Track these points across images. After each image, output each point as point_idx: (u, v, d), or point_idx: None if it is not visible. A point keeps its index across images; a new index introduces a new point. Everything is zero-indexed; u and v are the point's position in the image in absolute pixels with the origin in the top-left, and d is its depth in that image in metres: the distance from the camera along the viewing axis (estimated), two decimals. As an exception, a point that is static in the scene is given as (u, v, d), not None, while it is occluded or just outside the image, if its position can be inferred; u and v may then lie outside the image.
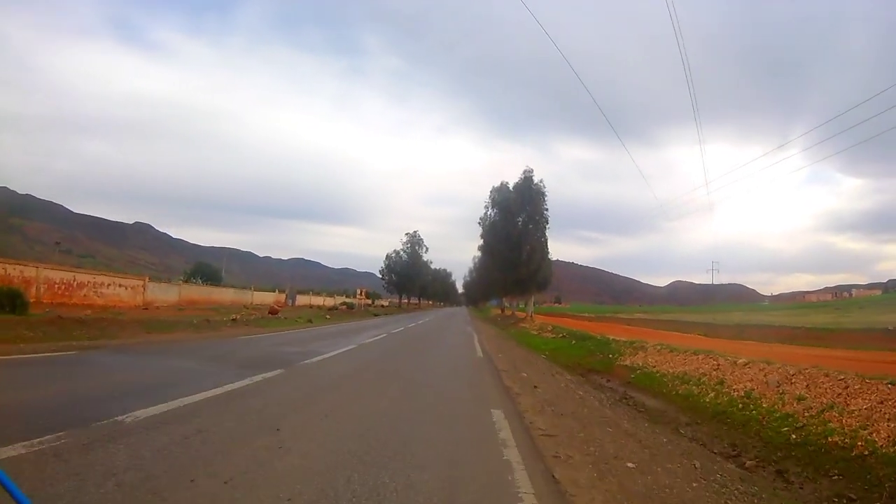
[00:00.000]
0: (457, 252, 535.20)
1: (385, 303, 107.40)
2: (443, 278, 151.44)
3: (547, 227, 49.43)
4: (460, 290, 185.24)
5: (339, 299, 77.51)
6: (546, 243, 49.52)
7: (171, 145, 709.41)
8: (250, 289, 57.45)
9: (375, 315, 55.77)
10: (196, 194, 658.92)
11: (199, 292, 46.94)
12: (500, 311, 79.53)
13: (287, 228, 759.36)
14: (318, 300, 73.93)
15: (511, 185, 50.26)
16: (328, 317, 42.87)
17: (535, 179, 49.44)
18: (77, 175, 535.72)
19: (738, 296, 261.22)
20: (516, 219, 49.10)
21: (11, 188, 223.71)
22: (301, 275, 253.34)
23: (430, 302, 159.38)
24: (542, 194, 49.23)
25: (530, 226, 48.87)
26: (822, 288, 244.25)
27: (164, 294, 39.64)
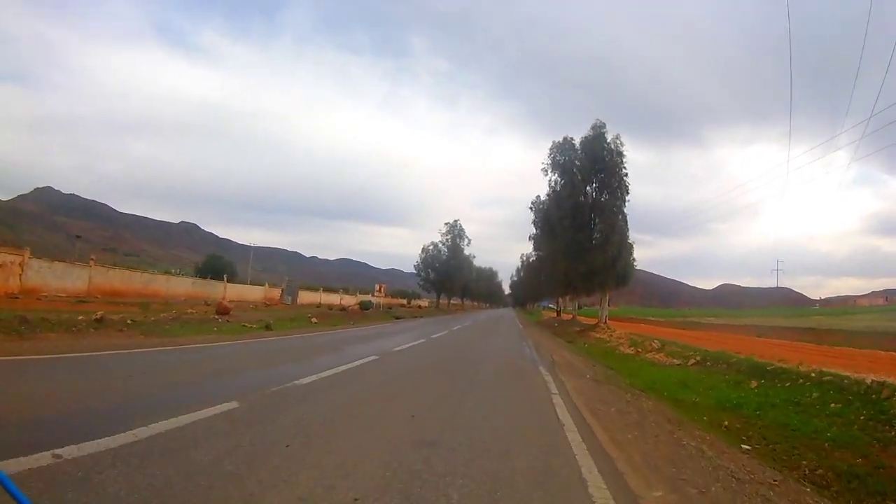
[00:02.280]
0: (503, 254, 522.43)
1: (424, 303, 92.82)
2: (488, 277, 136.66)
3: (627, 199, 34.54)
4: (507, 291, 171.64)
5: (364, 297, 63.66)
6: (626, 222, 34.62)
7: (218, 147, 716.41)
8: (222, 280, 43.83)
9: (396, 318, 41.92)
10: (243, 195, 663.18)
11: (132, 280, 33.40)
12: (555, 315, 64.30)
13: (334, 229, 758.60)
14: (331, 297, 60.12)
15: (577, 142, 35.55)
16: (314, 321, 28.94)
17: (609, 136, 34.74)
18: (123, 175, 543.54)
19: (786, 299, 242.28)
20: (586, 187, 34.43)
21: (56, 188, 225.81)
22: (348, 274, 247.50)
23: (475, 303, 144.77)
24: (621, 154, 34.38)
25: (604, 198, 34.07)
26: (870, 292, 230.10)
27: (62, 279, 26.32)
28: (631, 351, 22.12)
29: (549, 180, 36.13)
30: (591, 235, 34.25)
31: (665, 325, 49.55)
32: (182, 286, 39.40)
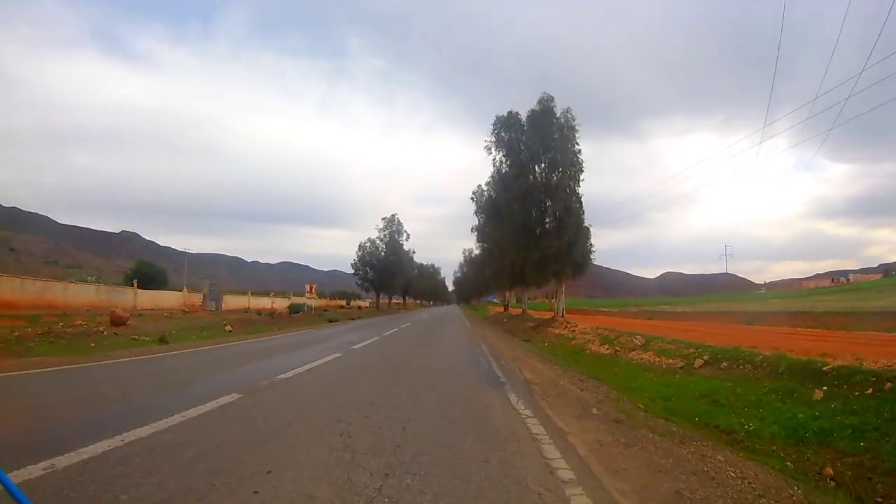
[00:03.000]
0: (445, 251, 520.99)
1: (365, 304, 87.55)
2: (430, 274, 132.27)
3: (581, 179, 30.66)
4: (451, 288, 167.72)
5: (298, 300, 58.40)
6: (581, 204, 30.70)
7: (156, 154, 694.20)
8: (133, 286, 38.28)
9: (330, 321, 37.22)
10: (183, 202, 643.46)
11: (23, 289, 28.36)
12: (502, 309, 60.32)
13: (275, 233, 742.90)
14: (261, 301, 54.74)
15: (524, 117, 31.52)
16: (228, 329, 24.21)
17: (558, 110, 30.84)
18: (63, 186, 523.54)
19: (730, 285, 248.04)
20: (535, 166, 30.39)
21: None
22: (290, 278, 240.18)
23: (418, 301, 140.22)
24: (573, 130, 30.50)
25: (556, 177, 30.09)
26: (813, 274, 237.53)
27: None
28: (606, 350, 18.18)
29: (494, 159, 32.01)
30: (543, 219, 30.33)
31: (622, 315, 46.45)
32: (84, 294, 33.65)
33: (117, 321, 20.90)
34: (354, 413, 6.55)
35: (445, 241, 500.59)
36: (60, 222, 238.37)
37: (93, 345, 15.68)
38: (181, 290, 44.33)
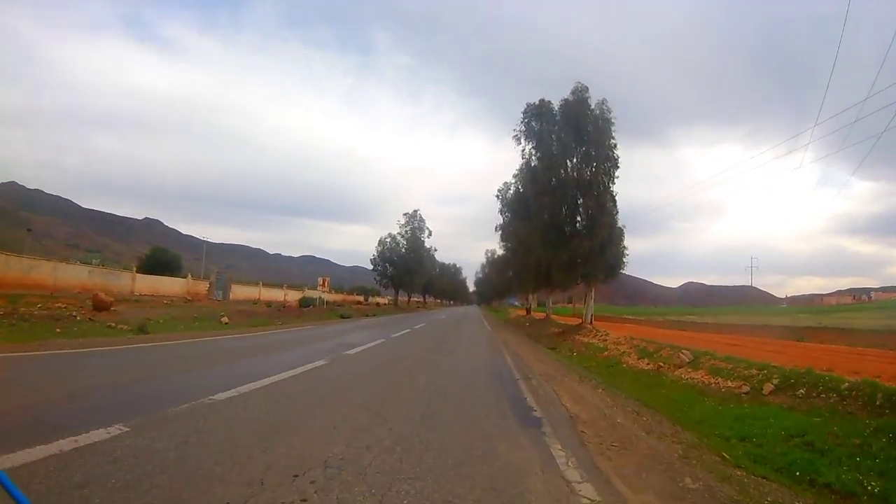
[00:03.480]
0: (467, 251, 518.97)
1: (383, 301, 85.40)
2: (452, 274, 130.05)
3: (616, 176, 28.10)
4: (472, 288, 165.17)
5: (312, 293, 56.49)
6: (615, 204, 28.08)
7: (181, 142, 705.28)
8: (132, 269, 36.51)
9: (343, 317, 35.25)
10: (207, 191, 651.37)
11: (7, 266, 27.17)
12: (524, 313, 57.78)
13: (298, 226, 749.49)
14: (273, 293, 52.77)
15: (556, 106, 29.05)
16: (225, 321, 22.64)
17: (593, 101, 28.31)
18: (87, 171, 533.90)
19: (752, 297, 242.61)
20: (566, 159, 27.83)
21: (20, 183, 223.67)
22: (311, 272, 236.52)
23: (438, 300, 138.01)
24: (608, 122, 27.89)
25: (590, 172, 27.55)
26: (834, 291, 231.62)
27: None
28: (646, 366, 15.68)
29: (523, 150, 29.56)
30: (574, 217, 27.82)
31: (649, 324, 43.57)
32: (76, 276, 31.92)
33: (100, 306, 19.24)
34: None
35: (467, 240, 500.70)
36: (83, 206, 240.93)
37: (58, 330, 14.05)
38: (187, 277, 42.36)
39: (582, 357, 19.62)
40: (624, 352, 18.77)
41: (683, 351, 15.17)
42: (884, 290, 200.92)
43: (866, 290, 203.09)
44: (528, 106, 29.17)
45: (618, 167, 27.75)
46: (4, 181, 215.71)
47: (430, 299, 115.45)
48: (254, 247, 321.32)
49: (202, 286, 40.37)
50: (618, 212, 27.47)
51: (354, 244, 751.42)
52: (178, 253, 62.04)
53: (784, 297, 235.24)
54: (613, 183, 27.61)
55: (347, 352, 13.95)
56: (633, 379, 14.26)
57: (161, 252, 54.32)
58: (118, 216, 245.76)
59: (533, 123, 29.02)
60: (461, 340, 22.67)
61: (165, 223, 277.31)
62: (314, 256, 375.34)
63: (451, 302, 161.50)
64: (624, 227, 28.26)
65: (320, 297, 43.66)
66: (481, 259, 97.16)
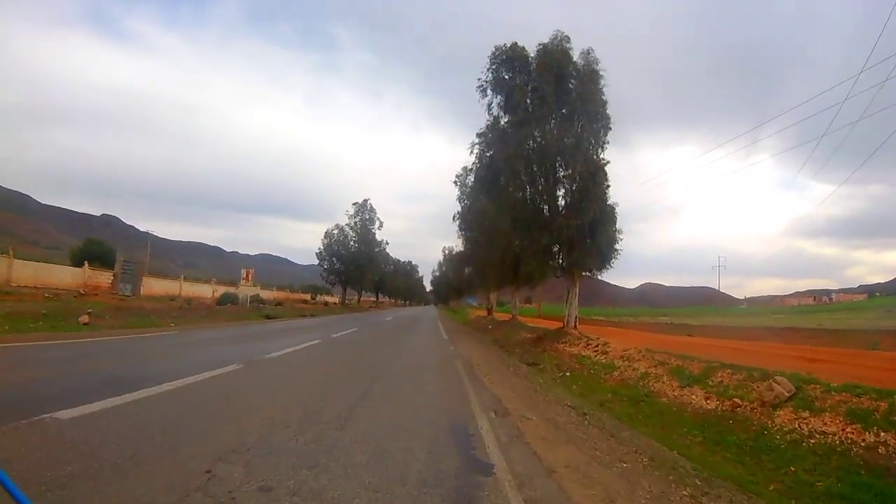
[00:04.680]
0: (425, 250, 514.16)
1: (334, 299, 76.99)
2: (407, 272, 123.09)
3: (606, 141, 21.62)
4: (429, 288, 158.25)
5: (250, 289, 48.93)
6: (607, 175, 21.39)
7: (142, 138, 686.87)
8: (7, 254, 28.80)
9: (268, 318, 28.52)
10: (165, 188, 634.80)
11: None
12: (484, 314, 51.02)
13: (256, 224, 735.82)
14: (200, 289, 44.96)
15: (531, 53, 22.48)
16: (85, 321, 15.73)
17: (575, 52, 21.93)
18: (47, 166, 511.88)
19: (711, 298, 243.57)
20: (545, 117, 21.21)
21: None
22: (269, 270, 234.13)
23: (392, 299, 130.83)
24: (596, 75, 21.52)
25: (573, 134, 21.12)
26: (792, 292, 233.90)
27: None
28: (707, 401, 9.39)
29: (489, 105, 22.70)
30: (555, 191, 21.50)
31: (628, 327, 37.61)
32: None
33: None
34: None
35: (428, 239, 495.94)
36: (42, 202, 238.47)
37: None
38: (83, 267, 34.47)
39: (582, 381, 13.18)
40: (646, 373, 12.49)
41: (778, 379, 8.79)
42: (843, 291, 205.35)
43: (826, 292, 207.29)
44: (496, 50, 22.41)
45: (609, 129, 21.46)
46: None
47: (384, 298, 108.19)
48: (212, 244, 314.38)
49: (104, 278, 32.68)
50: (609, 185, 21.08)
51: (313, 242, 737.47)
52: (114, 247, 54.86)
53: (743, 297, 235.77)
54: (604, 149, 21.35)
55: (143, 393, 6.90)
56: (704, 431, 7.92)
57: (95, 244, 47.28)
58: (77, 213, 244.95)
59: (503, 72, 22.43)
60: (405, 353, 16.01)
61: (123, 220, 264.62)
62: (272, 255, 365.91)
63: (407, 302, 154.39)
64: (616, 205, 21.86)
65: (244, 294, 36.41)
66: (439, 257, 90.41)
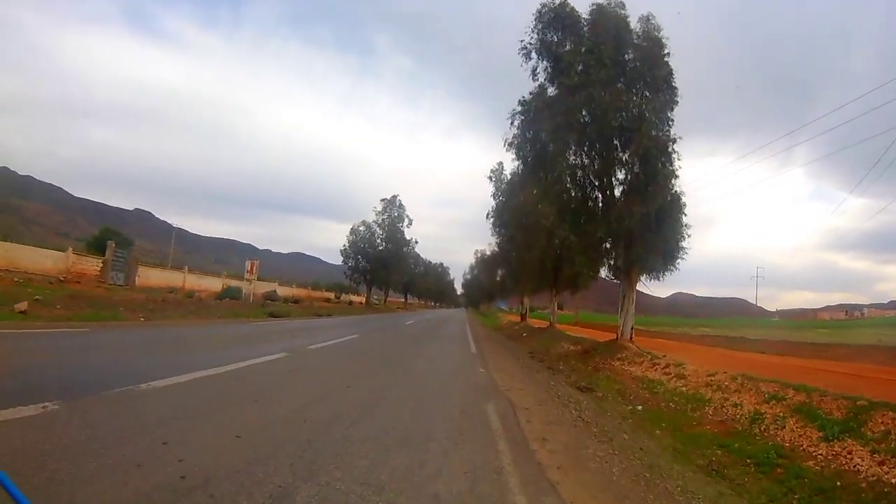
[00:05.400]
0: (459, 254, 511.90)
1: (360, 299, 72.76)
2: (438, 274, 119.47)
3: (671, 118, 17.26)
4: (459, 290, 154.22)
5: (264, 284, 45.54)
6: (672, 153, 16.73)
7: (177, 135, 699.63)
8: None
9: (272, 316, 25.04)
10: (199, 185, 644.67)
11: None
12: (517, 319, 46.82)
13: (290, 223, 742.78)
14: (208, 281, 41.61)
15: (584, 14, 18.21)
16: (22, 308, 12.42)
17: (633, 18, 17.80)
18: (81, 160, 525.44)
19: (741, 310, 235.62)
20: (605, 84, 16.50)
21: (12, 169, 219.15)
22: (301, 269, 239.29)
23: (422, 301, 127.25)
24: (659, 43, 17.26)
25: (632, 106, 16.98)
26: (824, 306, 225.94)
27: None
28: (878, 466, 5.51)
29: (534, 70, 18.71)
30: (612, 172, 17.49)
31: (678, 339, 33.16)
32: None
33: None
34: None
35: (461, 243, 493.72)
36: (75, 195, 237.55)
37: None
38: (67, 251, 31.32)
39: (665, 422, 9.19)
40: (758, 412, 8.65)
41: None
42: (874, 306, 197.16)
43: (857, 307, 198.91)
44: (542, 7, 18.54)
45: (676, 103, 17.39)
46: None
47: (412, 300, 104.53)
48: (244, 241, 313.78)
49: (91, 265, 29.50)
50: (681, 166, 16.94)
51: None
52: (131, 238, 52.52)
53: (775, 310, 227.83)
54: (670, 125, 17.27)
55: None
56: None
57: (111, 234, 44.70)
58: (110, 206, 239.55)
59: (549, 34, 18.55)
60: (417, 375, 11.45)
61: (156, 215, 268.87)
62: (304, 253, 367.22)
63: (437, 304, 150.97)
64: (683, 194, 17.74)
65: (247, 290, 32.99)
66: (471, 262, 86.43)
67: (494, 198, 36.33)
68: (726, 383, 10.85)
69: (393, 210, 59.12)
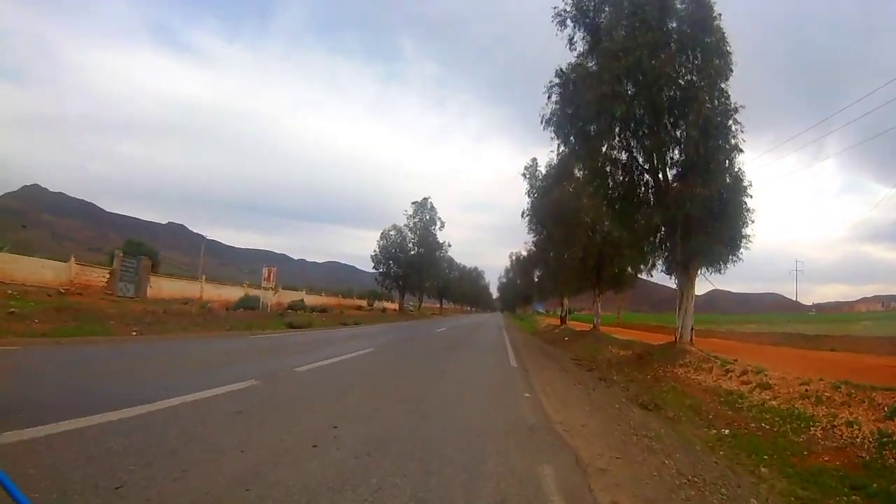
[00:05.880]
0: (492, 258, 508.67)
1: (394, 306, 70.53)
2: (473, 278, 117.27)
3: (727, 83, 14.74)
4: (494, 294, 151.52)
5: (291, 294, 43.93)
6: (733, 125, 14.30)
7: (207, 148, 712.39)
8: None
9: (292, 327, 23.21)
10: (231, 197, 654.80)
11: None
12: (556, 322, 44.32)
13: (323, 232, 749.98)
14: (227, 291, 39.79)
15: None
16: None
17: None
18: (111, 175, 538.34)
19: (778, 305, 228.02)
20: (653, 49, 14.14)
21: (43, 185, 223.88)
22: (336, 278, 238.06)
23: (457, 306, 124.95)
24: (707, 3, 14.73)
25: (684, 72, 14.76)
26: (860, 298, 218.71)
27: None
28: None
29: (570, 39, 16.17)
30: (666, 150, 15.23)
31: (728, 337, 30.38)
32: None
33: None
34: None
35: (493, 247, 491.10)
36: (106, 210, 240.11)
37: None
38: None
39: (766, 452, 6.98)
40: (885, 433, 6.37)
41: None
42: None
43: (893, 297, 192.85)
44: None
45: (731, 71, 14.97)
46: (28, 184, 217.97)
47: (448, 305, 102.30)
48: (278, 252, 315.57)
49: (97, 276, 28.09)
50: (744, 139, 14.52)
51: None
52: (156, 248, 51.70)
53: (811, 304, 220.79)
54: (728, 97, 14.88)
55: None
56: None
57: (135, 245, 43.81)
58: (142, 220, 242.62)
59: (585, 1, 16.34)
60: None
61: (190, 228, 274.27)
62: (339, 262, 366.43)
63: (472, 308, 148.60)
64: (744, 173, 15.27)
65: (266, 298, 31.32)
66: (507, 264, 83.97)
67: (529, 195, 34.28)
68: (827, 394, 8.65)
69: (424, 213, 57.13)
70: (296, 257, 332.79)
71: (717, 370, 11.94)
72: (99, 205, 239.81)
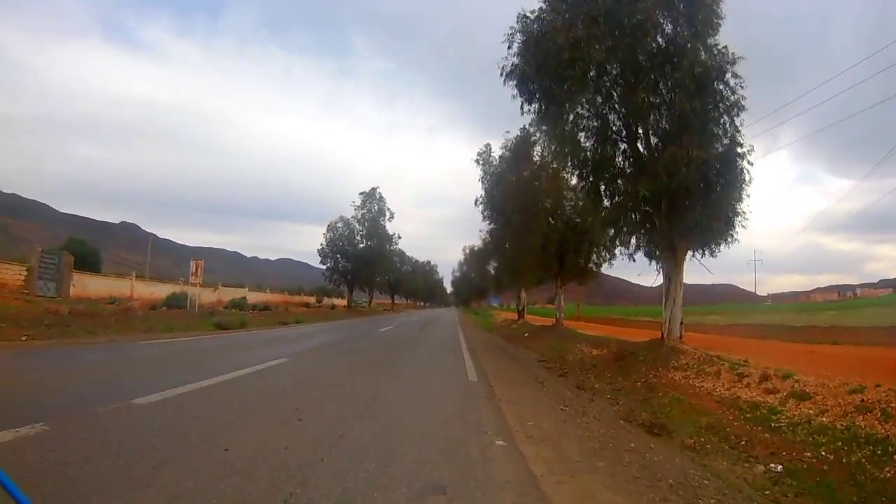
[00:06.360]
0: (446, 253, 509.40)
1: (343, 301, 66.79)
2: (426, 272, 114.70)
3: (714, 41, 12.08)
4: (449, 289, 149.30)
5: (232, 291, 40.60)
6: (732, 78, 11.93)
7: (159, 146, 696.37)
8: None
9: (220, 328, 20.17)
10: (183, 195, 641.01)
11: None
12: (514, 317, 41.96)
13: (276, 229, 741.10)
14: (161, 289, 35.91)
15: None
16: None
17: None
18: (65, 176, 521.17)
19: (733, 296, 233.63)
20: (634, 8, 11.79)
21: None
22: (289, 275, 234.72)
23: (410, 301, 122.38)
24: None
25: (675, 30, 12.23)
26: (814, 288, 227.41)
27: None
28: None
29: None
30: (649, 110, 12.75)
31: (704, 330, 28.67)
32: None
33: None
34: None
35: (447, 242, 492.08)
36: (60, 211, 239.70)
37: None
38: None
39: (845, 497, 4.68)
40: None
41: None
42: (864, 286, 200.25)
43: (848, 287, 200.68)
44: None
45: (719, 25, 12.55)
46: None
47: (400, 300, 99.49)
48: (231, 250, 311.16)
49: (12, 274, 24.71)
50: (743, 98, 12.23)
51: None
52: (100, 247, 47.60)
53: (767, 294, 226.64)
54: (717, 51, 12.52)
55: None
56: None
57: (77, 244, 40.04)
58: (97, 221, 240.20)
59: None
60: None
61: (142, 227, 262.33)
62: (292, 259, 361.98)
63: (426, 304, 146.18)
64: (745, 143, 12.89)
65: (193, 294, 28.13)
66: (460, 258, 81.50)
67: (483, 181, 31.86)
68: (893, 405, 6.30)
69: (373, 204, 53.93)
70: (248, 255, 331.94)
71: (726, 375, 9.54)
72: (53, 206, 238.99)
